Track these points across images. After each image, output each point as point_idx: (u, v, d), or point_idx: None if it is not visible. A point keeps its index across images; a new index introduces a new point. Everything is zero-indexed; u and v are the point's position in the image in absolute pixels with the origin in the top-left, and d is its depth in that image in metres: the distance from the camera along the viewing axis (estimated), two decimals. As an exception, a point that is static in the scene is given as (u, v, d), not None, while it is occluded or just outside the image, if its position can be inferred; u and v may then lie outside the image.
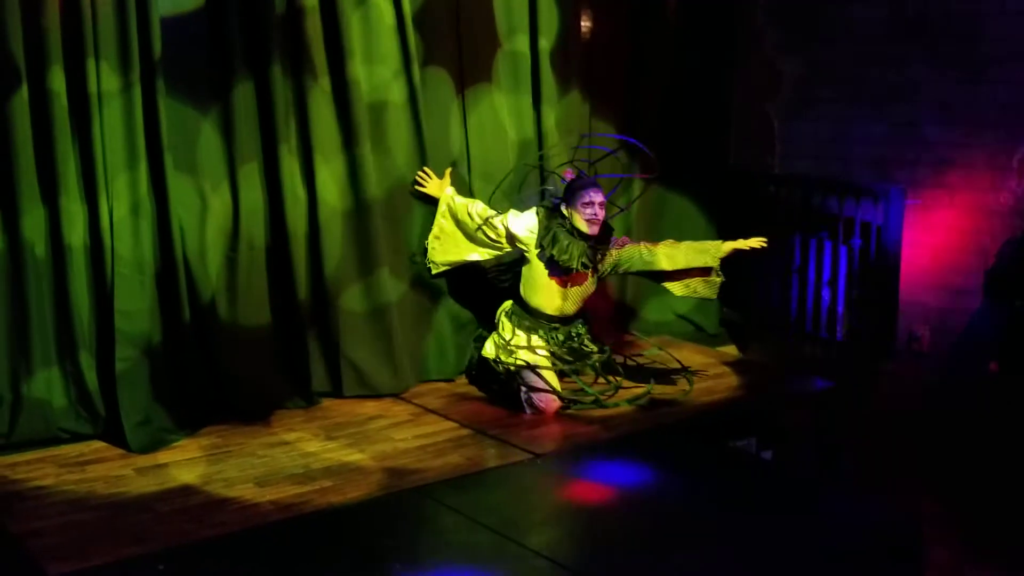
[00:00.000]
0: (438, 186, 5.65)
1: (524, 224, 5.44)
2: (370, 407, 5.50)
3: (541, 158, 6.00)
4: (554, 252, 5.27)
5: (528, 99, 6.13)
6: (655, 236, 6.58)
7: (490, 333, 5.63)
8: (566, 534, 4.18)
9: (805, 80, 6.49)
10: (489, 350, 5.57)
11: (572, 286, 5.46)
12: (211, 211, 5.20)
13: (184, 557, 3.83)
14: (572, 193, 5.32)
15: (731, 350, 6.72)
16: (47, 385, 4.89)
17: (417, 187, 5.65)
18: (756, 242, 5.37)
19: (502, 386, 5.54)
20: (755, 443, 5.46)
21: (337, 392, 5.57)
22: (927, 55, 5.87)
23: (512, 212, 5.51)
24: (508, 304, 5.61)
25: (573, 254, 5.26)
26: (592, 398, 5.40)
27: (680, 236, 6.73)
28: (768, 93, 6.67)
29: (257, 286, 5.33)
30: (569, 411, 5.38)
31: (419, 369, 5.86)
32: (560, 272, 5.40)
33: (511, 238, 5.50)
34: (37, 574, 3.71)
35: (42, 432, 4.86)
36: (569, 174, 5.58)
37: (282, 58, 5.23)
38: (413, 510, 4.27)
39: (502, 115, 6.01)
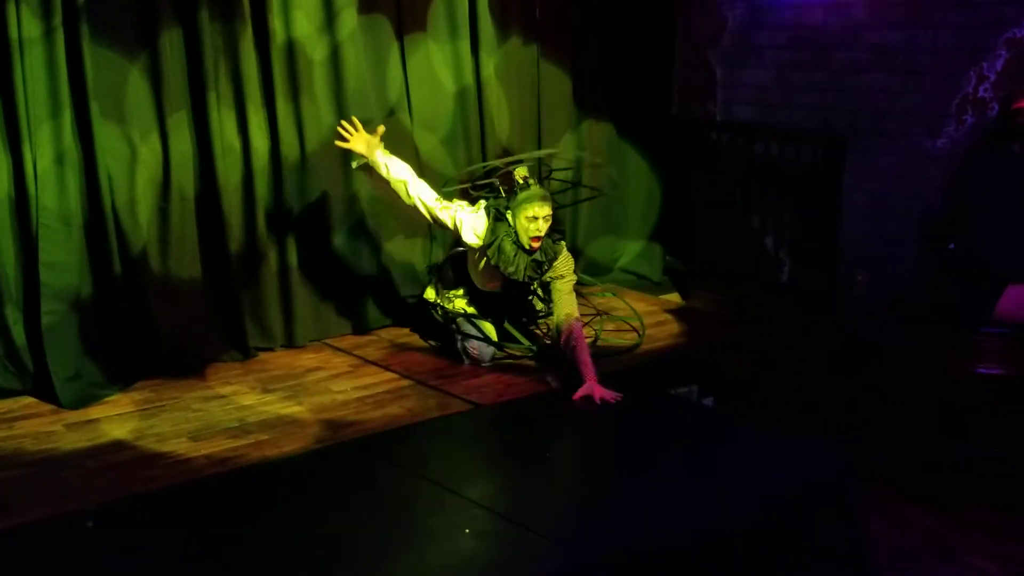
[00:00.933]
0: (366, 144, 4.97)
1: (472, 227, 5.06)
2: (308, 359, 5.43)
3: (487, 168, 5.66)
4: (499, 263, 4.98)
5: (467, 45, 6.01)
6: (599, 184, 6.60)
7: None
8: (505, 484, 4.15)
9: (747, 26, 6.44)
10: (429, 293, 5.50)
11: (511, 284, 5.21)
12: (140, 161, 5.05)
13: (115, 513, 3.76)
14: (518, 203, 4.94)
15: (674, 298, 6.72)
16: (-28, 340, 4.76)
17: (338, 142, 4.99)
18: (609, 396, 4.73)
19: (439, 335, 5.48)
20: (695, 390, 5.48)
21: (269, 345, 5.50)
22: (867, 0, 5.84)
23: (459, 208, 5.10)
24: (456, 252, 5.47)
25: (519, 267, 4.99)
26: (527, 347, 5.36)
27: (625, 184, 6.75)
28: (710, 40, 6.62)
29: (189, 238, 5.22)
30: (507, 361, 5.34)
31: (354, 320, 5.79)
32: (501, 274, 5.11)
33: (457, 238, 5.21)
34: (-39, 532, 3.62)
35: (-32, 388, 4.75)
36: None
37: (209, 3, 5.07)
38: (350, 463, 4.21)
39: (439, 63, 5.90)
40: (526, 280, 5.06)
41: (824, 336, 5.79)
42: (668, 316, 6.17)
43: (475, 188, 5.59)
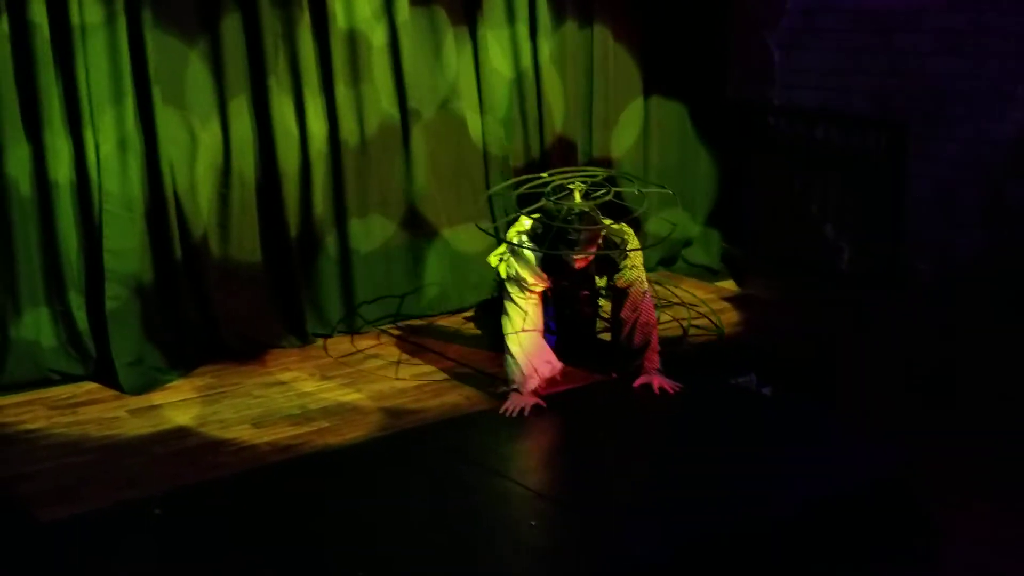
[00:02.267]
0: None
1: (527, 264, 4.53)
2: (366, 345, 5.43)
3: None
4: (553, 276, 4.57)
5: (525, 29, 5.95)
6: (659, 166, 6.52)
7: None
8: (566, 474, 4.13)
9: (807, 9, 6.33)
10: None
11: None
12: (201, 146, 5.07)
13: (181, 500, 3.77)
14: (561, 241, 4.39)
15: (731, 285, 6.65)
16: (36, 326, 4.80)
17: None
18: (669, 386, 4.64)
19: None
20: (755, 379, 5.41)
21: (327, 331, 5.50)
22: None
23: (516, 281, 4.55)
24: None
25: (575, 283, 4.73)
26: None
27: (682, 167, 6.66)
28: (769, 23, 6.52)
29: (249, 223, 5.23)
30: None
31: (412, 306, 5.77)
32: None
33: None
34: (29, 519, 3.64)
35: (32, 374, 4.80)
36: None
37: (269, -12, 5.07)
38: (411, 451, 4.20)
39: (495, 48, 5.85)
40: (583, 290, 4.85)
41: (886, 323, 5.69)
42: (725, 304, 6.10)
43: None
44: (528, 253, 4.48)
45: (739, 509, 3.68)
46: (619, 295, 4.70)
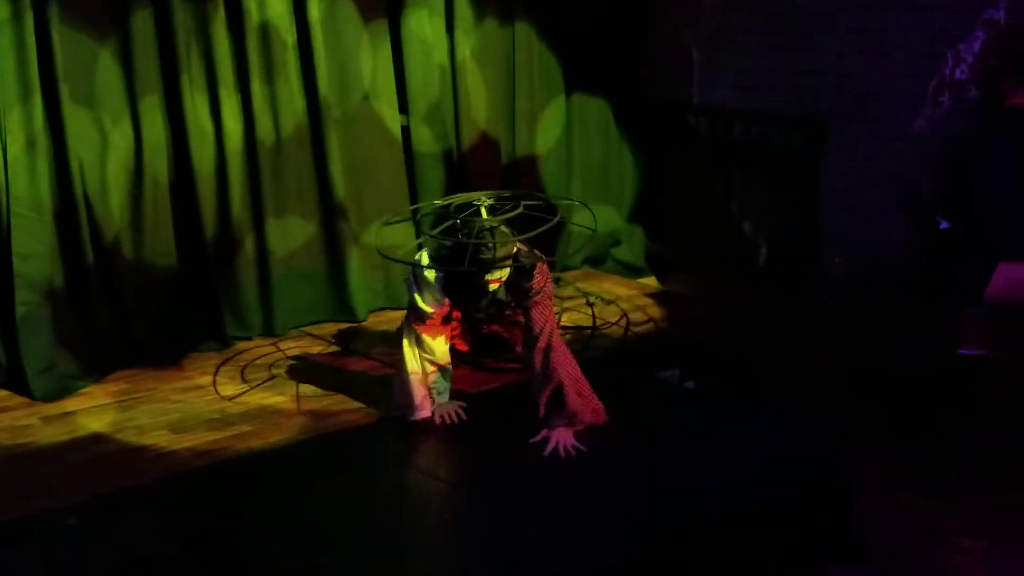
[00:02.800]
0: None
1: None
2: (288, 348, 5.34)
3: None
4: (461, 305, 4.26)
5: (444, 25, 5.92)
6: (582, 163, 6.53)
7: None
8: (487, 471, 4.07)
9: (725, 7, 6.39)
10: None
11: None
12: (112, 146, 4.94)
13: (98, 508, 3.67)
14: (472, 262, 3.98)
15: (652, 281, 6.69)
16: (-58, 332, 4.64)
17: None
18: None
19: None
20: (679, 374, 5.44)
21: (248, 334, 5.40)
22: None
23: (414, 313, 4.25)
24: None
25: (483, 311, 4.32)
26: None
27: (605, 164, 6.68)
28: (687, 21, 6.57)
29: (163, 225, 5.11)
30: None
31: (335, 307, 5.70)
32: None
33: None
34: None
35: (-60, 382, 4.63)
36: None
37: (180, -17, 4.97)
38: (337, 453, 4.14)
39: (414, 45, 5.80)
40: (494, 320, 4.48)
41: (805, 317, 5.78)
42: (648, 300, 6.13)
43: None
44: (429, 275, 4.13)
45: (664, 500, 3.69)
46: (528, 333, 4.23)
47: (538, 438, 4.09)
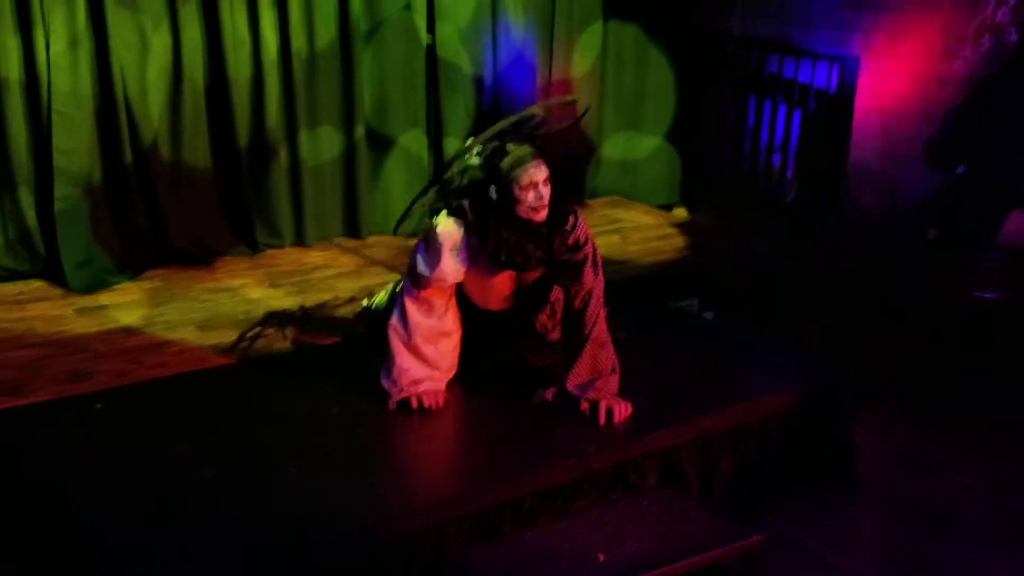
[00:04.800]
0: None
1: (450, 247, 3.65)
2: (316, 257, 5.49)
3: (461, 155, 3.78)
4: (502, 259, 3.65)
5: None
6: (615, 89, 6.56)
7: None
8: (498, 381, 4.15)
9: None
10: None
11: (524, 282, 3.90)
12: (152, 50, 5.06)
13: (122, 397, 3.84)
14: (505, 175, 3.56)
15: (680, 212, 6.74)
16: (-16, 222, 4.83)
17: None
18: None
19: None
20: (697, 303, 5.53)
21: (277, 241, 5.55)
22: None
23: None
24: None
25: (527, 253, 3.65)
26: None
27: (638, 92, 6.69)
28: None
29: (200, 130, 5.24)
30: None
31: (364, 220, 5.82)
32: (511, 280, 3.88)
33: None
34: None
35: (-21, 269, 4.83)
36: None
37: None
38: (354, 356, 4.28)
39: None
40: (538, 266, 3.72)
41: (826, 255, 5.82)
42: (673, 230, 6.20)
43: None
44: (449, 230, 3.62)
45: (670, 421, 3.79)
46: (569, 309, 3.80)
47: (584, 407, 3.71)
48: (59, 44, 4.75)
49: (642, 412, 3.74)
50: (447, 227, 3.62)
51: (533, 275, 3.82)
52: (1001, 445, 4.34)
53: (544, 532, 3.32)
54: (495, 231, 3.61)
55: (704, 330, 5.01)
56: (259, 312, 4.68)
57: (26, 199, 4.86)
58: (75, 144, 4.84)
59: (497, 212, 3.60)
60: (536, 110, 3.77)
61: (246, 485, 3.25)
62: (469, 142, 3.72)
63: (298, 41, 5.38)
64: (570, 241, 3.66)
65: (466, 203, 3.65)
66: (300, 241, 5.63)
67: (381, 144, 5.79)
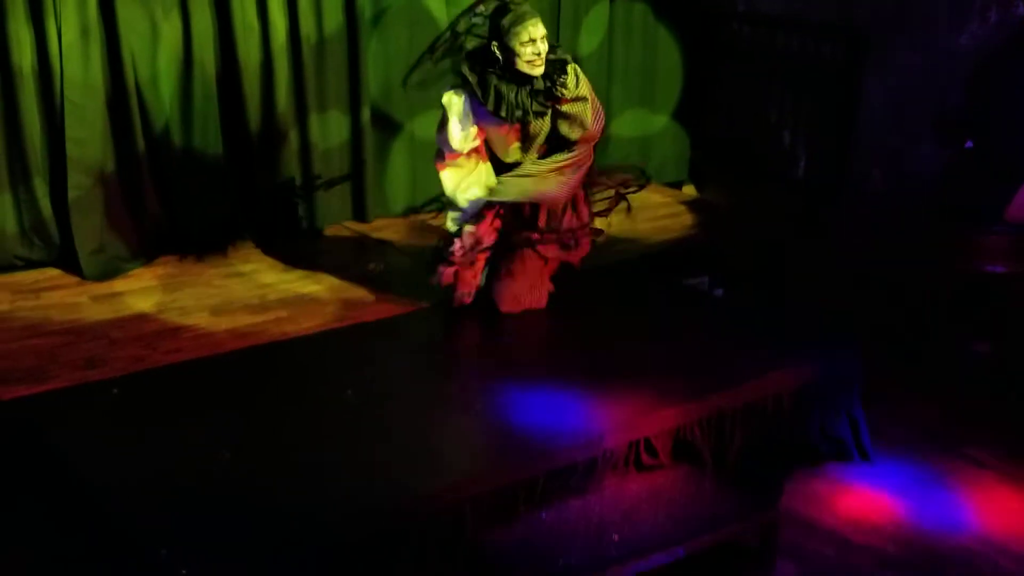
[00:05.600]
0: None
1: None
2: (327, 240, 5.52)
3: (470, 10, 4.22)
4: (503, 113, 4.04)
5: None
6: (623, 67, 6.56)
7: None
8: (513, 363, 4.23)
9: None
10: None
11: (528, 131, 4.24)
12: (162, 37, 5.08)
13: (139, 382, 3.88)
14: (505, 31, 3.98)
15: (689, 190, 6.75)
16: (0, 212, 4.85)
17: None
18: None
19: None
20: (707, 281, 5.53)
21: (291, 226, 5.57)
22: None
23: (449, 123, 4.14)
24: None
25: (526, 105, 4.06)
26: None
27: (646, 70, 6.68)
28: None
29: (211, 116, 5.26)
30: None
31: (374, 203, 5.85)
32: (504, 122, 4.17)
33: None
34: (-8, 396, 3.77)
35: (-5, 259, 4.87)
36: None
37: None
38: (367, 341, 4.32)
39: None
40: (537, 113, 4.08)
41: (835, 230, 5.83)
42: (682, 208, 6.22)
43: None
44: (450, 100, 4.05)
45: (682, 398, 3.81)
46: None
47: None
48: (71, 34, 4.77)
49: (655, 390, 3.77)
50: (448, 98, 4.06)
51: (525, 126, 4.14)
52: (1014, 420, 4.36)
53: (559, 511, 3.36)
54: (496, 87, 4.00)
55: (714, 308, 5.03)
56: (272, 296, 4.72)
57: (40, 188, 4.90)
58: (88, 133, 4.88)
59: (497, 68, 3.99)
60: None
61: (264, 468, 3.28)
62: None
63: (307, 26, 5.39)
64: (566, 91, 4.03)
65: (466, 66, 4.05)
66: (311, 225, 5.65)
67: (387, 127, 5.80)
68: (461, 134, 4.08)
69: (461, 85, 4.08)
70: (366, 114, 5.68)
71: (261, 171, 5.46)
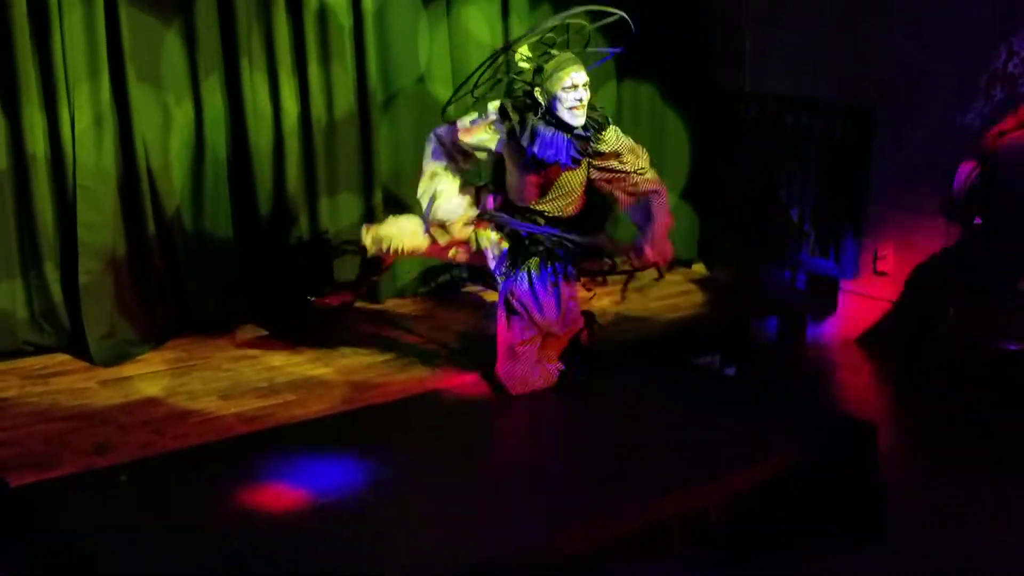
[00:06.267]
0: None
1: (476, 128, 4.44)
2: (336, 322, 5.50)
3: (507, 47, 4.51)
4: (535, 148, 4.21)
5: (497, 9, 6.01)
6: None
7: None
8: (522, 452, 4.21)
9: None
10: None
11: (552, 179, 4.39)
12: (175, 124, 5.13)
13: (147, 468, 3.86)
14: (548, 76, 4.19)
15: (699, 268, 6.75)
16: (11, 297, 4.88)
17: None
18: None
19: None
20: (719, 359, 5.52)
21: (300, 308, 5.56)
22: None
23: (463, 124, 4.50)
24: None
25: (559, 146, 4.21)
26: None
27: (655, 151, 6.70)
28: (741, 8, 6.60)
29: (222, 200, 5.30)
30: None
31: (384, 286, 5.85)
32: (535, 167, 4.34)
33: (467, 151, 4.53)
34: (-1, 484, 3.74)
35: (5, 344, 4.88)
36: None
37: (244, -31, 5.14)
38: (375, 425, 4.30)
39: (469, 27, 5.90)
40: (573, 162, 4.26)
41: (847, 307, 5.81)
42: (692, 286, 6.21)
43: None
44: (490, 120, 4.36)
45: (696, 481, 3.78)
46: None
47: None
48: (84, 121, 4.83)
49: (666, 472, 3.74)
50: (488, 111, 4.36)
51: (554, 174, 4.31)
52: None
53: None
54: (533, 126, 4.18)
55: (726, 386, 5.01)
56: (280, 379, 4.70)
57: (51, 273, 4.92)
58: (99, 218, 4.91)
59: (539, 112, 4.20)
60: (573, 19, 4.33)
61: (271, 557, 3.24)
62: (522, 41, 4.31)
63: (318, 110, 5.45)
64: (606, 144, 4.26)
65: (508, 103, 4.27)
66: (321, 307, 5.63)
67: (399, 210, 5.81)
68: (474, 138, 4.38)
69: (499, 121, 4.31)
70: (378, 196, 5.72)
71: (271, 255, 5.47)
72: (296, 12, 5.33)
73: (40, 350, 4.95)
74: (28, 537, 3.49)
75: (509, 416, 4.48)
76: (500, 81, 4.46)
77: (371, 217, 5.71)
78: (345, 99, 5.53)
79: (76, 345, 4.94)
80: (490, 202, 4.53)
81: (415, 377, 4.77)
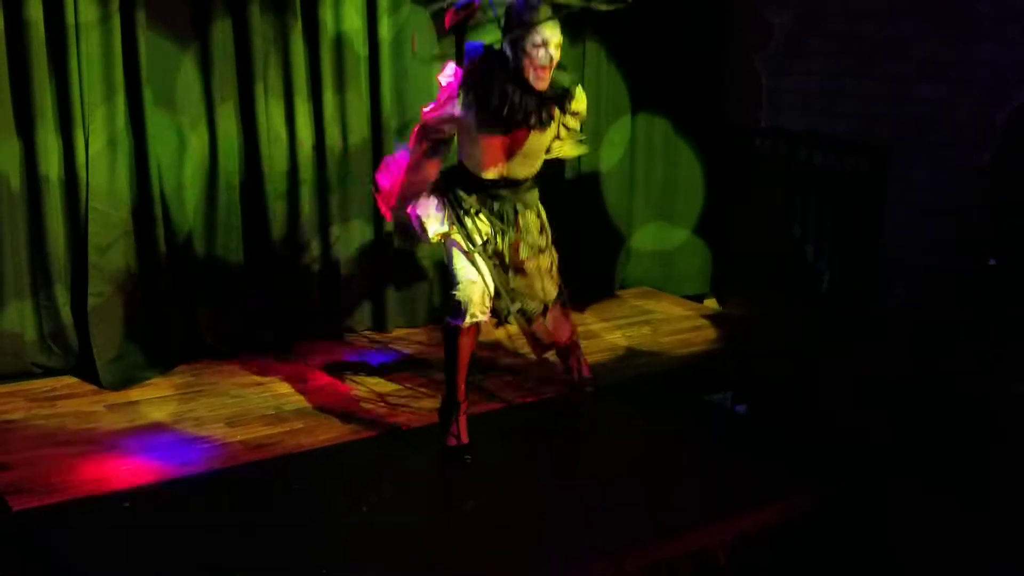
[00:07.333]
0: None
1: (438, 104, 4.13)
2: (348, 351, 5.48)
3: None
4: (504, 111, 3.89)
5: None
6: (644, 182, 6.63)
7: None
8: (525, 484, 4.17)
9: (794, 32, 6.41)
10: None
11: (520, 141, 4.08)
12: (189, 148, 5.13)
13: (151, 495, 3.84)
14: (518, 26, 3.81)
15: (711, 303, 6.72)
16: (20, 318, 4.86)
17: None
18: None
19: None
20: (730, 396, 5.47)
21: (306, 335, 5.55)
22: (918, 9, 5.80)
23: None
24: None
25: (528, 108, 3.90)
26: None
27: (667, 185, 6.72)
28: (757, 46, 6.60)
29: (234, 225, 5.29)
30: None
31: (395, 315, 5.83)
32: (502, 127, 4.01)
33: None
34: (1, 508, 3.71)
35: (14, 366, 4.86)
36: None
37: (261, -4, 5.15)
38: (383, 454, 4.27)
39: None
40: (536, 125, 3.97)
41: (861, 346, 5.76)
42: (704, 321, 6.17)
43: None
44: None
45: (702, 522, 3.75)
46: None
47: None
48: (98, 144, 4.83)
49: (675, 510, 3.70)
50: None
51: (523, 137, 4.02)
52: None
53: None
54: (500, 86, 3.86)
55: (737, 425, 4.96)
56: (288, 407, 4.68)
57: (61, 296, 4.90)
58: (111, 241, 4.90)
59: (504, 68, 3.86)
60: None
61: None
62: None
63: (332, 137, 5.45)
64: (573, 109, 4.05)
65: (475, 55, 3.94)
66: (333, 334, 5.62)
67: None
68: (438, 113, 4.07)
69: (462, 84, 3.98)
70: (389, 224, 5.70)
71: (282, 281, 5.46)
72: (312, 40, 5.35)
73: (48, 372, 4.93)
74: (30, 563, 3.46)
75: (513, 451, 4.44)
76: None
77: (383, 245, 5.71)
78: (359, 126, 5.53)
79: (84, 368, 4.92)
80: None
81: (425, 407, 4.73)
